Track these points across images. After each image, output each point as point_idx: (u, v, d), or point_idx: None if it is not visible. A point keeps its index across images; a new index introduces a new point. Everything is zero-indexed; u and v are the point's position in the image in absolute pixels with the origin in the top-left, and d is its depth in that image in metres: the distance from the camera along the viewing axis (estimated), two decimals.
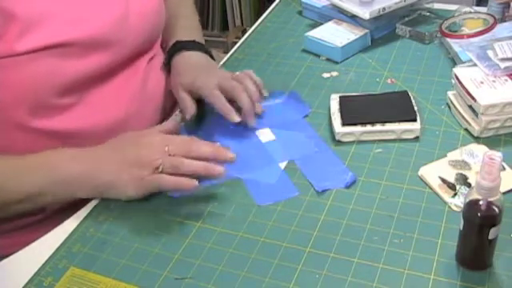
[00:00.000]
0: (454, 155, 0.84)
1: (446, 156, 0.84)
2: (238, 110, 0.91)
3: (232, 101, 0.91)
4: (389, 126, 0.89)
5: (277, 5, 1.38)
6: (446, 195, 0.78)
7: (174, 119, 0.87)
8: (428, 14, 1.20)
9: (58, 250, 0.76)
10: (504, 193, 0.76)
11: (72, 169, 0.79)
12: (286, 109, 0.99)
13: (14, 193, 0.78)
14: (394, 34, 1.18)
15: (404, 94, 0.95)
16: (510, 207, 0.73)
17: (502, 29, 1.05)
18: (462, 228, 0.66)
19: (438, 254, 0.70)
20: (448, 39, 1.08)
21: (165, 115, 1.01)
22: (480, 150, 0.84)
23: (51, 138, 0.85)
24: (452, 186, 0.79)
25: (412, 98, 0.93)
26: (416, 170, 0.82)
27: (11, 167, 0.80)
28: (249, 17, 2.73)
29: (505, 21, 1.11)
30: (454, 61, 1.05)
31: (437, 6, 1.24)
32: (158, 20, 0.99)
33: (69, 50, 0.82)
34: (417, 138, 0.89)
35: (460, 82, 0.90)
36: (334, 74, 1.08)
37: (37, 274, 0.73)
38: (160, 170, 0.76)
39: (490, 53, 0.93)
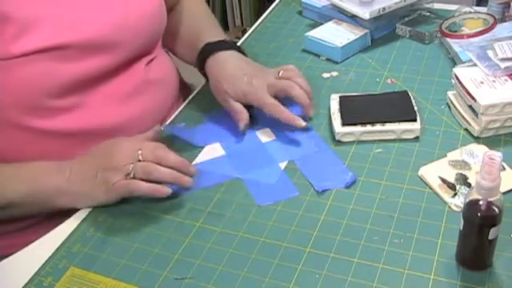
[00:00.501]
0: (453, 155, 0.84)
1: (446, 156, 0.84)
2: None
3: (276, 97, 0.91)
4: (389, 126, 0.89)
5: (277, 5, 1.38)
6: (446, 195, 0.78)
7: (155, 130, 0.87)
8: (428, 13, 1.20)
9: (57, 250, 0.76)
10: (504, 193, 0.76)
11: (51, 181, 0.80)
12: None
13: None
14: (394, 34, 1.18)
15: (404, 94, 0.95)
16: (510, 207, 0.73)
17: (501, 29, 1.05)
18: (461, 228, 0.66)
19: (438, 254, 0.70)
20: (448, 39, 1.08)
21: (165, 116, 1.01)
22: (480, 149, 0.84)
23: (51, 138, 0.85)
24: (452, 186, 0.79)
25: (412, 98, 0.93)
26: (416, 170, 0.82)
27: None
28: (249, 17, 2.73)
29: (505, 21, 1.11)
30: (454, 61, 1.05)
31: (437, 5, 1.24)
32: (158, 22, 0.98)
33: (66, 53, 0.82)
34: (417, 138, 0.89)
35: (460, 82, 0.90)
36: (334, 73, 1.08)
37: (37, 274, 0.73)
38: (132, 175, 0.77)
39: (490, 53, 0.93)
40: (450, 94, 0.94)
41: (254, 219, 0.78)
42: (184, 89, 1.10)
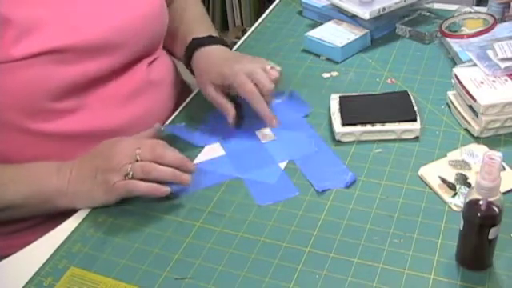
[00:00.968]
0: (454, 155, 0.84)
1: (446, 156, 0.84)
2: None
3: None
4: (389, 126, 0.89)
5: (277, 5, 1.38)
6: (445, 195, 0.78)
7: (154, 128, 0.87)
8: (428, 13, 1.20)
9: (57, 249, 0.76)
10: (504, 193, 0.75)
11: (52, 182, 0.80)
12: (286, 109, 0.99)
13: None
14: (394, 34, 1.18)
15: (404, 94, 0.95)
16: (510, 207, 0.73)
17: (501, 29, 1.05)
18: (462, 228, 0.66)
19: (438, 254, 0.70)
20: (448, 39, 1.08)
21: (166, 117, 1.01)
22: (480, 149, 0.84)
23: (52, 140, 0.85)
24: (452, 186, 0.79)
25: (412, 98, 0.93)
26: (416, 170, 0.82)
27: None
28: (249, 17, 2.73)
29: (505, 21, 1.11)
30: (454, 61, 1.05)
31: (437, 5, 1.24)
32: (158, 23, 0.98)
33: (66, 56, 0.82)
34: (417, 138, 0.89)
35: (460, 82, 0.90)
36: (334, 73, 1.08)
37: (37, 274, 0.73)
38: (130, 175, 0.77)
39: (490, 53, 0.93)
40: (450, 93, 0.94)
41: (253, 219, 0.78)
42: (184, 89, 1.10)
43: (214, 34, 1.03)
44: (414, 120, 0.89)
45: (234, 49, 1.19)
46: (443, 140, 0.88)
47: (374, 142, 0.89)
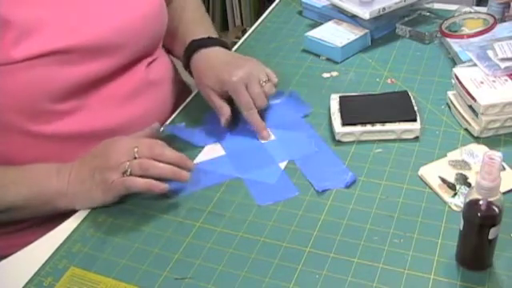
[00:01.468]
0: (454, 155, 0.84)
1: (446, 156, 0.84)
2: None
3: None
4: (389, 126, 0.89)
5: (277, 5, 1.38)
6: (445, 195, 0.78)
7: (152, 127, 0.87)
8: (428, 13, 1.20)
9: (57, 249, 0.76)
10: (504, 193, 0.75)
11: (52, 184, 0.80)
12: (286, 109, 0.99)
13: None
14: (394, 34, 1.18)
15: (404, 94, 0.95)
16: (510, 207, 0.73)
17: (501, 29, 1.05)
18: (462, 228, 0.66)
19: (438, 254, 0.70)
20: (448, 39, 1.08)
21: (166, 117, 1.01)
22: (480, 149, 0.84)
23: (52, 142, 0.85)
24: (452, 186, 0.79)
25: (412, 97, 0.93)
26: (416, 169, 0.82)
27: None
28: (249, 17, 2.73)
29: (505, 21, 1.11)
30: (454, 61, 1.05)
31: (437, 5, 1.24)
32: (158, 24, 0.98)
33: (67, 57, 0.82)
34: (417, 138, 0.89)
35: (460, 82, 0.90)
36: (334, 73, 1.08)
37: (37, 274, 0.73)
38: (128, 173, 0.77)
39: (490, 53, 0.93)
40: (450, 93, 0.94)
41: (254, 219, 0.78)
42: (183, 89, 1.10)
43: (214, 34, 1.03)
44: (414, 120, 0.89)
45: (234, 49, 1.19)
46: (443, 140, 0.88)
47: (374, 141, 0.89)
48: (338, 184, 0.82)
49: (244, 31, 2.48)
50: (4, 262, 0.77)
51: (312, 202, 0.80)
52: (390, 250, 0.71)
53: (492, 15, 1.09)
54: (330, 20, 1.19)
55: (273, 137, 0.92)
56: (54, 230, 0.80)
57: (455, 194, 0.77)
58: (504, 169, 0.80)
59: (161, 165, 0.78)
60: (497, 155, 0.60)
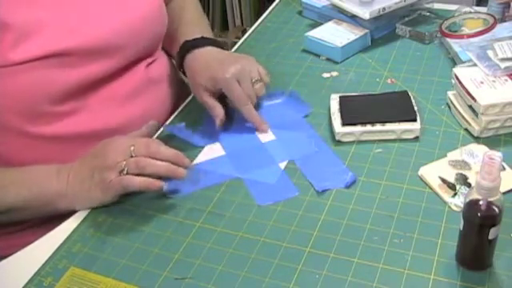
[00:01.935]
0: (454, 155, 0.84)
1: (446, 156, 0.84)
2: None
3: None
4: (389, 126, 0.89)
5: (277, 5, 1.38)
6: (446, 195, 0.78)
7: (149, 125, 0.87)
8: (428, 13, 1.20)
9: (58, 249, 0.76)
10: (504, 193, 0.75)
11: (52, 185, 0.80)
12: (286, 109, 0.99)
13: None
14: (394, 34, 1.18)
15: (404, 94, 0.95)
16: (510, 207, 0.73)
17: (501, 29, 1.05)
18: (462, 228, 0.66)
19: (438, 254, 0.70)
20: (448, 39, 1.08)
21: (166, 117, 1.01)
22: (480, 149, 0.84)
23: (52, 143, 0.85)
24: (452, 186, 0.79)
25: (412, 97, 0.93)
26: (416, 169, 0.82)
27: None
28: (249, 17, 2.73)
29: (505, 21, 1.11)
30: (454, 61, 1.05)
31: (437, 5, 1.24)
32: (158, 25, 0.98)
33: (66, 59, 0.82)
34: (417, 138, 0.89)
35: (460, 82, 0.90)
36: (334, 73, 1.08)
37: (37, 274, 0.73)
38: (125, 171, 0.77)
39: (490, 53, 0.93)
40: (450, 93, 0.94)
41: (254, 219, 0.78)
42: (183, 88, 1.10)
43: (208, 34, 1.03)
44: (414, 120, 0.89)
45: (234, 49, 1.19)
46: (443, 140, 0.88)
47: (374, 142, 0.89)
48: (338, 184, 0.82)
49: (244, 31, 2.48)
50: (4, 262, 0.77)
51: (312, 202, 0.80)
52: (389, 249, 0.71)
53: (492, 15, 1.09)
54: (330, 20, 1.19)
55: (273, 137, 0.92)
56: (54, 230, 0.80)
57: (455, 194, 0.77)
58: (504, 169, 0.80)
59: (157, 162, 0.78)
60: (497, 155, 0.60)
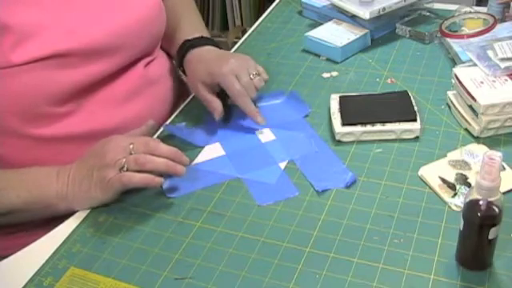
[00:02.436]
0: (454, 155, 0.84)
1: (446, 156, 0.84)
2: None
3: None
4: (389, 126, 0.89)
5: (277, 5, 1.38)
6: (446, 195, 0.78)
7: (147, 124, 0.88)
8: (428, 13, 1.20)
9: (57, 249, 0.77)
10: (504, 193, 0.75)
11: (52, 186, 0.80)
12: (286, 109, 0.99)
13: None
14: (394, 34, 1.18)
15: (404, 94, 0.95)
16: (510, 207, 0.73)
17: (501, 29, 1.05)
18: (461, 228, 0.66)
19: (438, 254, 0.70)
20: (448, 39, 1.08)
21: (165, 116, 1.01)
22: (480, 149, 0.84)
23: (52, 144, 0.85)
24: (452, 186, 0.79)
25: (412, 97, 0.93)
26: (416, 169, 0.82)
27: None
28: (249, 17, 2.73)
29: (505, 21, 1.11)
30: (454, 61, 1.05)
31: (437, 5, 1.24)
32: (157, 25, 0.98)
33: (65, 60, 0.82)
34: (417, 138, 0.89)
35: (460, 82, 0.90)
36: (334, 73, 1.08)
37: (37, 273, 0.73)
38: (125, 169, 0.77)
39: (490, 53, 0.93)
40: (450, 93, 0.94)
41: (253, 219, 0.78)
42: (184, 88, 1.10)
43: (206, 34, 1.04)
44: (414, 120, 0.89)
45: (234, 49, 1.19)
46: (443, 140, 0.88)
47: (374, 142, 0.89)
48: (338, 184, 0.82)
49: (244, 31, 2.48)
50: (4, 262, 0.77)
51: (312, 202, 0.80)
52: (389, 250, 0.71)
53: (492, 15, 1.09)
54: (329, 20, 1.19)
55: (273, 137, 0.93)
56: (54, 230, 0.80)
57: (455, 194, 0.77)
58: (504, 169, 0.80)
59: (157, 159, 0.78)
60: (497, 155, 0.60)
